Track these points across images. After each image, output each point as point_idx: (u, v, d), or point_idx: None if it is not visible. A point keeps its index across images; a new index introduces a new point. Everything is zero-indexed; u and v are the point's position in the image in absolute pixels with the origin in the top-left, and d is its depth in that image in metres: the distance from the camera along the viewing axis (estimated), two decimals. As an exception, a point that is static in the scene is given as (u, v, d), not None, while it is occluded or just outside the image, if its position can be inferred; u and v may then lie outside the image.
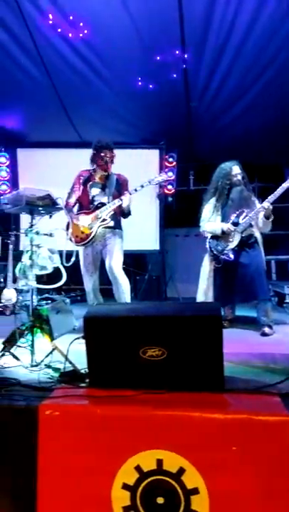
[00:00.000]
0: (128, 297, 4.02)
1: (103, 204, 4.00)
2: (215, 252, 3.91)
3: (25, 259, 2.65)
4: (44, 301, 2.79)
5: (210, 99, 5.52)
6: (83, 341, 2.18)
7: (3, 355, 2.56)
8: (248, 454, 1.76)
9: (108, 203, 3.98)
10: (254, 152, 5.97)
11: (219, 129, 6.00)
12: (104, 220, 3.95)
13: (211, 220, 4.00)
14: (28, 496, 1.89)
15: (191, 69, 5.05)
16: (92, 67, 5.08)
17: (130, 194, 4.00)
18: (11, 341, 2.56)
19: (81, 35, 4.61)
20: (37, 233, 2.69)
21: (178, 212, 6.99)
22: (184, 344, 2.05)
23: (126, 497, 1.81)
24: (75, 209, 4.11)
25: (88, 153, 4.14)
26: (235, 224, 3.86)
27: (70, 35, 4.62)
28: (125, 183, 4.17)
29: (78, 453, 1.88)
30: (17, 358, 2.59)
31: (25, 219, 2.82)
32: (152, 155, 6.73)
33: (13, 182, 6.82)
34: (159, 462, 1.81)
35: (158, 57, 4.91)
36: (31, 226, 2.73)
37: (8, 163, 6.86)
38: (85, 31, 4.57)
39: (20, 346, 2.64)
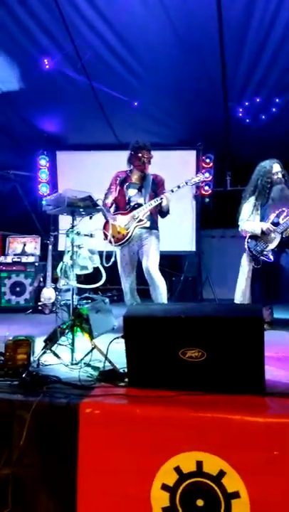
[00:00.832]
0: (165, 298, 4.02)
1: (140, 205, 4.02)
2: (254, 253, 3.85)
3: (66, 259, 2.70)
4: (84, 301, 2.82)
5: (249, 98, 5.45)
6: (122, 341, 2.20)
7: (44, 353, 2.60)
8: (290, 459, 1.73)
9: (144, 203, 4.00)
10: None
11: (258, 128, 5.91)
12: (140, 220, 3.97)
13: (250, 220, 3.94)
14: (69, 494, 1.91)
15: (229, 68, 5.00)
16: (129, 68, 5.12)
17: (161, 199, 4.00)
18: (52, 339, 2.61)
19: (118, 36, 4.65)
20: (78, 234, 2.73)
21: (214, 213, 6.94)
22: (225, 346, 2.03)
23: (165, 498, 1.81)
24: (112, 210, 4.15)
25: (126, 155, 4.18)
26: (276, 224, 3.79)
27: (107, 36, 4.66)
28: (161, 183, 4.18)
29: (118, 452, 1.89)
30: (58, 356, 2.63)
31: (64, 220, 2.87)
32: (189, 156, 6.72)
33: (53, 184, 6.96)
34: (199, 464, 1.79)
35: (196, 57, 4.88)
36: (72, 227, 2.78)
37: (48, 165, 7.00)
38: (123, 32, 4.60)
39: (61, 344, 2.69)
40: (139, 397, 2.03)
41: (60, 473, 1.98)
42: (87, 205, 2.77)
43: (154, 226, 4.09)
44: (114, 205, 4.18)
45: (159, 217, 4.19)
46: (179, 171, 6.10)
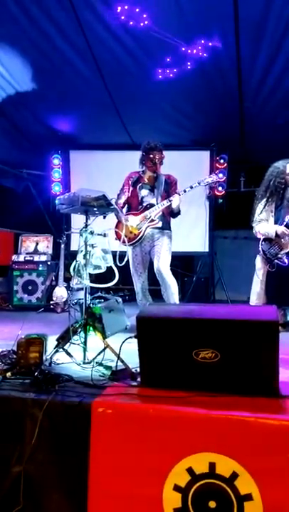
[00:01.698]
0: (177, 298, 4.02)
1: (152, 205, 4.03)
2: (268, 255, 3.81)
3: (79, 258, 2.70)
4: (97, 300, 2.82)
5: (264, 99, 5.41)
6: (134, 341, 2.19)
7: (56, 351, 2.61)
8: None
9: (157, 203, 4.00)
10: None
11: (273, 129, 5.87)
12: (152, 220, 3.97)
13: (263, 221, 3.90)
14: (80, 493, 1.91)
15: (245, 69, 4.97)
16: (143, 68, 5.10)
17: (179, 195, 4.00)
18: (64, 338, 2.61)
19: (133, 33, 4.62)
20: (91, 233, 2.73)
21: (227, 214, 6.91)
22: (239, 348, 2.02)
23: (177, 499, 1.80)
24: (124, 210, 4.16)
25: (139, 155, 4.18)
26: (291, 227, 3.75)
27: (121, 34, 4.64)
28: (174, 183, 4.19)
29: (130, 452, 1.89)
30: (70, 355, 2.64)
31: (76, 219, 2.87)
32: (203, 156, 6.71)
33: (66, 183, 6.99)
34: (212, 465, 1.78)
35: (212, 58, 4.86)
36: (86, 226, 2.78)
37: (61, 164, 7.03)
38: (138, 27, 4.56)
39: (73, 343, 2.69)
40: (151, 397, 2.01)
41: (72, 471, 1.98)
42: (101, 205, 2.77)
43: (166, 226, 4.10)
44: (126, 206, 4.19)
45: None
46: (193, 171, 6.08)
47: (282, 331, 3.82)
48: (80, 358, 2.64)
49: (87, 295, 2.73)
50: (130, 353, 2.33)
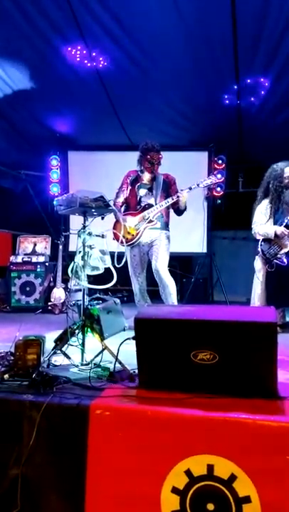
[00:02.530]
0: (175, 299, 4.02)
1: (150, 205, 4.03)
2: (267, 256, 3.82)
3: (77, 259, 2.69)
4: (95, 301, 2.81)
5: (262, 100, 5.42)
6: (133, 342, 2.18)
7: (54, 353, 2.60)
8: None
9: (155, 204, 4.00)
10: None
11: (271, 130, 5.88)
12: (150, 221, 3.97)
13: (262, 223, 3.91)
14: (78, 495, 1.90)
15: (242, 68, 4.97)
16: (142, 69, 5.10)
17: (178, 197, 3.98)
18: (62, 340, 2.61)
19: (130, 36, 4.64)
20: (89, 234, 2.72)
21: (226, 215, 6.91)
22: (237, 349, 2.01)
23: (175, 501, 1.79)
24: (122, 209, 4.15)
25: (137, 155, 4.17)
26: (289, 227, 3.76)
27: (120, 36, 4.64)
28: (173, 181, 4.19)
29: (128, 454, 1.88)
30: (68, 357, 2.63)
31: (74, 220, 2.86)
32: (201, 157, 6.70)
33: (64, 184, 6.98)
34: (210, 467, 1.77)
35: (209, 58, 4.86)
36: (84, 227, 2.77)
37: (59, 165, 7.02)
38: (134, 33, 4.57)
39: (71, 345, 2.68)
40: (149, 398, 2.01)
41: (70, 473, 1.97)
42: (99, 206, 2.76)
43: (164, 227, 4.09)
44: (124, 205, 4.18)
45: (170, 217, 4.19)
46: (191, 172, 6.09)
47: (281, 332, 3.86)
48: (78, 359, 2.63)
49: (85, 296, 2.73)
50: (128, 355, 2.32)
